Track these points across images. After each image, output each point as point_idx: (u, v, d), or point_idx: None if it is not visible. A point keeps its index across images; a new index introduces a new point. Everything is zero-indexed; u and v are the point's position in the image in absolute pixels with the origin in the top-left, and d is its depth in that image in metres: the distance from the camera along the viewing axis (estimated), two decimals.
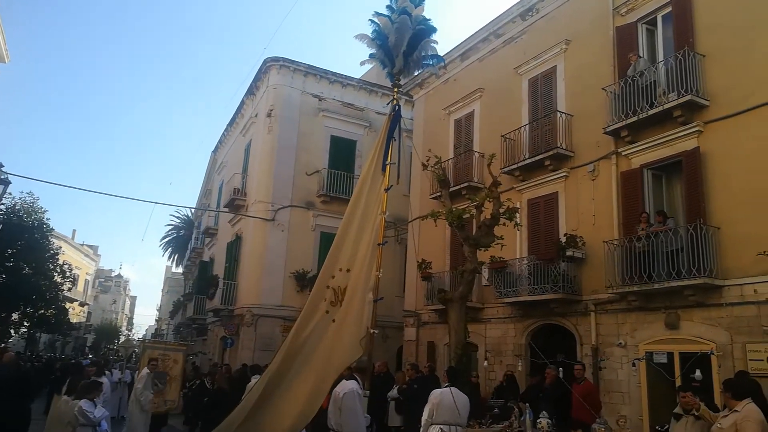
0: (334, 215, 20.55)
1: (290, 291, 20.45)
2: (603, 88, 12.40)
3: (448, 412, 7.06)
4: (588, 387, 9.20)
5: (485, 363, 13.42)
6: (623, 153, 12.13)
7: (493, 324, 14.63)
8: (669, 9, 11.84)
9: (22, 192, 28.73)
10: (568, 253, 12.30)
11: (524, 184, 14.40)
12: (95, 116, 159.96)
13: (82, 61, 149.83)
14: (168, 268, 63.76)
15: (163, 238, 47.90)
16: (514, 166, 14.31)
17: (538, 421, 8.75)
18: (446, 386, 7.32)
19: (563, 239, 12.63)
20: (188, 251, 37.91)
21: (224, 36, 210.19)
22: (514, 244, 13.72)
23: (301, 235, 20.99)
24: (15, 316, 29.29)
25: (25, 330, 32.75)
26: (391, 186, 6.75)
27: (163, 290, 69.87)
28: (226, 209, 24.53)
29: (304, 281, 20.37)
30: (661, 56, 11.94)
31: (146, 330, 76.21)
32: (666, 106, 10.94)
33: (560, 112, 13.76)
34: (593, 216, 12.64)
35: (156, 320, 65.18)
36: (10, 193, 27.70)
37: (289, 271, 20.50)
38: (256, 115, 23.72)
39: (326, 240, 20.95)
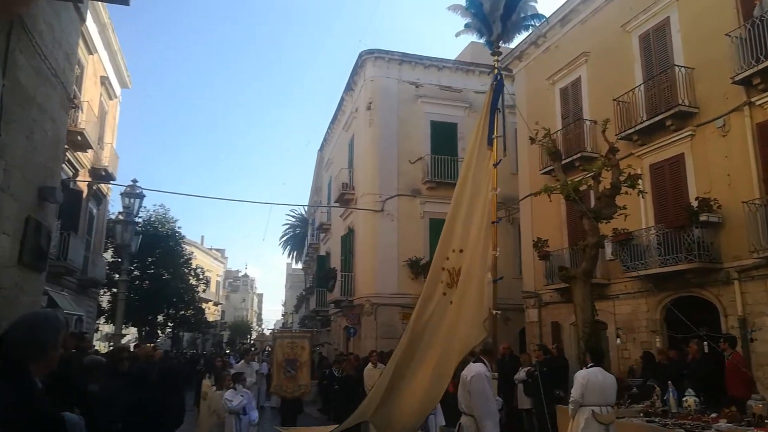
0: (441, 200, 20.43)
1: (405, 279, 20.67)
2: (726, 34, 11.21)
3: (597, 393, 6.84)
4: (738, 359, 8.41)
5: (618, 340, 12.71)
6: (757, 102, 10.90)
7: (622, 300, 13.80)
8: None
9: (155, 205, 31.51)
10: (702, 218, 11.28)
11: (644, 149, 13.40)
12: (207, 127, 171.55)
13: (186, 78, 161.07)
14: (288, 265, 67.02)
15: (282, 236, 50.44)
16: (631, 130, 13.35)
17: (684, 399, 8.15)
18: (590, 366, 7.07)
19: (695, 204, 11.60)
20: (305, 247, 39.58)
21: (317, 32, 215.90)
22: (638, 213, 12.84)
23: (411, 223, 21.11)
24: (160, 318, 32.25)
25: (169, 330, 35.93)
26: (500, 160, 6.46)
27: (286, 286, 73.58)
28: (337, 204, 25.26)
29: (417, 268, 20.50)
30: None
31: (274, 324, 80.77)
32: None
33: (679, 66, 12.62)
34: (728, 175, 11.48)
35: (282, 315, 68.91)
36: (145, 207, 30.43)
37: (402, 259, 20.73)
38: (356, 110, 24.13)
39: (435, 226, 20.92)
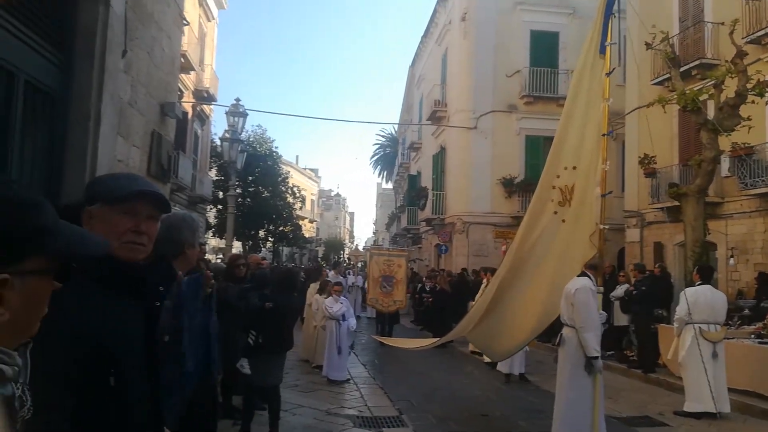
0: (540, 116, 19.62)
1: (498, 197, 20.43)
2: None
3: (707, 311, 6.65)
4: None
5: (731, 261, 12.06)
6: None
7: (736, 219, 12.92)
8: None
9: (253, 125, 32.56)
10: None
11: None
12: (298, 49, 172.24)
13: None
14: (379, 185, 68.10)
15: (372, 156, 50.99)
16: (762, 32, 11.93)
17: None
18: (699, 284, 6.84)
19: None
20: (396, 167, 39.84)
21: None
22: (762, 126, 11.69)
23: (506, 140, 20.52)
24: (261, 233, 34.20)
25: (270, 244, 38.13)
26: (613, 69, 6.03)
27: (376, 205, 75.22)
28: (429, 122, 24.95)
29: (512, 187, 20.15)
30: None
31: (365, 242, 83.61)
32: None
33: None
34: None
35: (373, 233, 70.96)
36: (244, 129, 31.61)
37: (495, 177, 20.39)
38: (450, 22, 23.18)
39: (532, 143, 20.25)
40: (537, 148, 19.65)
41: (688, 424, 6.72)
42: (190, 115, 20.85)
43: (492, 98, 20.57)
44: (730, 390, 6.96)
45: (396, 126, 42.56)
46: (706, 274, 7.06)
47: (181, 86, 18.96)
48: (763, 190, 11.72)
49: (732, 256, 12.36)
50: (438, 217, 23.08)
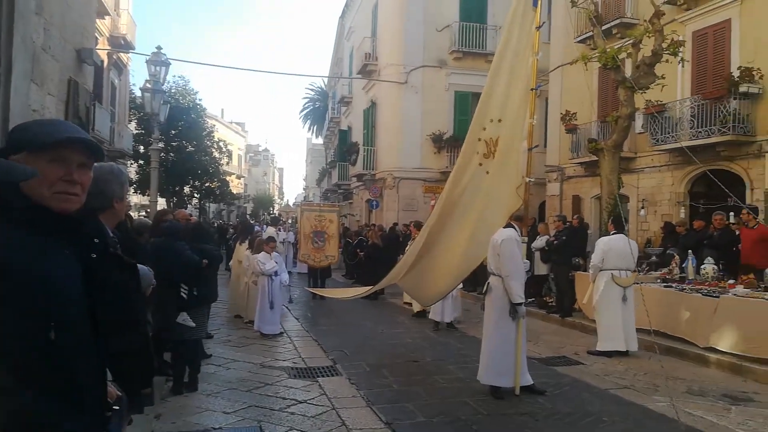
0: (469, 72, 19.84)
1: (428, 153, 20.70)
2: None
3: (619, 258, 7.13)
4: (762, 231, 8.53)
5: (642, 212, 12.92)
6: None
7: (647, 174, 13.80)
8: None
9: (174, 76, 30.91)
10: (742, 88, 10.89)
11: (689, 14, 12.63)
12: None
13: None
14: (309, 140, 67.00)
15: (301, 111, 49.91)
16: None
17: (702, 267, 8.43)
18: (613, 233, 7.33)
19: (736, 73, 11.13)
20: (326, 121, 39.28)
21: None
22: (674, 84, 12.40)
23: (435, 96, 20.67)
24: (186, 189, 33.06)
25: (196, 201, 36.98)
26: (543, 23, 6.17)
27: (306, 161, 74.17)
28: (359, 76, 24.65)
29: (441, 143, 20.44)
30: None
31: (295, 197, 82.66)
32: None
33: None
34: None
35: (303, 189, 70.21)
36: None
37: (425, 133, 20.60)
38: None
39: (461, 99, 20.51)
40: (466, 104, 19.96)
41: (601, 362, 7.29)
42: (105, 64, 19.54)
43: (423, 53, 20.55)
44: (637, 330, 7.58)
45: (326, 79, 41.73)
46: (619, 224, 7.56)
47: (95, 32, 17.67)
48: (672, 146, 12.52)
49: (642, 208, 13.24)
50: (369, 173, 23.15)
